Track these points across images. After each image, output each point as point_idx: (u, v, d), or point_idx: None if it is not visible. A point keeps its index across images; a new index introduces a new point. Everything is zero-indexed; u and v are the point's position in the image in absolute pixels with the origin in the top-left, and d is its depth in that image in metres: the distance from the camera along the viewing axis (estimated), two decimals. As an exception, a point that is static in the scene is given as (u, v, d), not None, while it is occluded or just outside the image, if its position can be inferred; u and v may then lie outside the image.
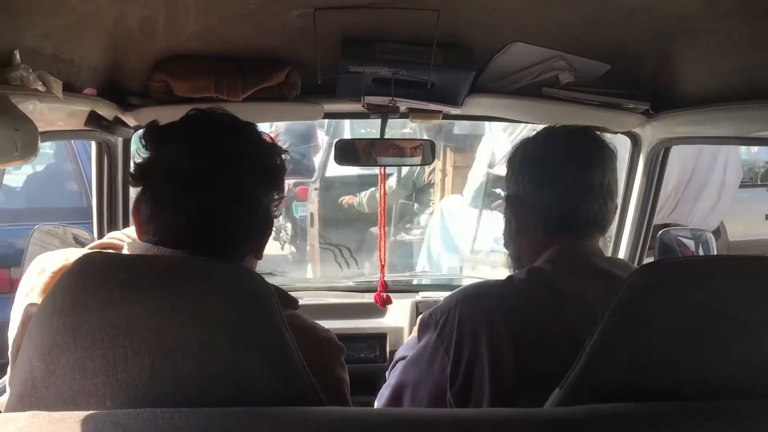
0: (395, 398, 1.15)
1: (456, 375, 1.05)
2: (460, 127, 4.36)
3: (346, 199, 4.70)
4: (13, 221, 3.45)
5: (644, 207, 1.90)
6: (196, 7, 1.22)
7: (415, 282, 2.52)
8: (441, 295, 1.89)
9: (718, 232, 4.19)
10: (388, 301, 2.06)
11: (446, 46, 1.38)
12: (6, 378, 1.13)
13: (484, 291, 1.14)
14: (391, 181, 4.48)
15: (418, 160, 1.82)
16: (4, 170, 1.35)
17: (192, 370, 0.68)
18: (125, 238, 1.18)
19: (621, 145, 1.59)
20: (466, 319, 1.07)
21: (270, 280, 0.80)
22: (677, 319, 0.74)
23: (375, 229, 4.23)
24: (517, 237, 1.22)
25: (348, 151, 1.79)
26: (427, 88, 1.47)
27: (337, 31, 1.34)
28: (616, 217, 1.66)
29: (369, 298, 2.08)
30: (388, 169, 3.54)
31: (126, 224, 1.74)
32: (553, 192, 1.15)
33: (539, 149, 1.19)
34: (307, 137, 5.73)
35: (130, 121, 1.52)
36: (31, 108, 1.01)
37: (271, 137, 1.07)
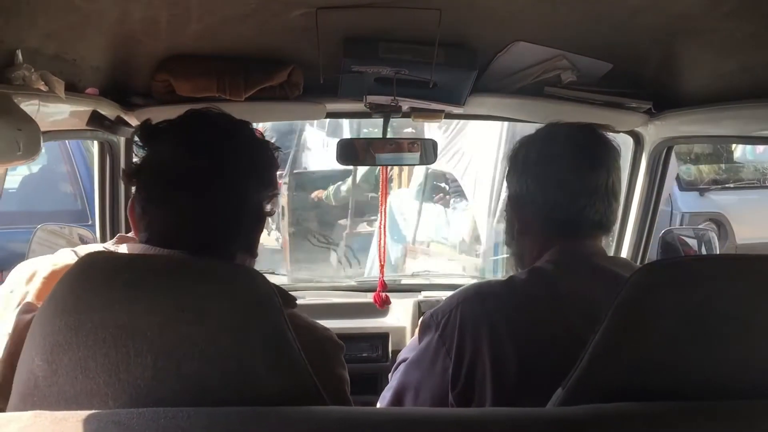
0: (397, 400, 1.14)
1: (458, 376, 1.05)
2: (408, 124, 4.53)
3: (316, 194, 5.13)
4: (9, 224, 3.46)
5: (647, 206, 1.89)
6: (198, 7, 1.22)
7: (413, 282, 2.52)
8: (443, 295, 1.89)
9: (725, 234, 4.11)
10: (387, 301, 2.06)
11: (448, 46, 1.38)
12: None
13: (485, 291, 1.12)
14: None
15: (417, 158, 1.81)
16: (6, 171, 1.35)
17: (195, 370, 0.68)
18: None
19: (623, 144, 1.59)
20: (468, 320, 1.06)
21: (270, 279, 0.80)
22: (679, 319, 0.74)
23: (342, 221, 4.82)
24: (519, 237, 1.21)
25: (349, 151, 1.79)
26: (429, 87, 1.47)
27: (340, 30, 1.34)
28: (619, 216, 1.65)
29: (371, 297, 2.08)
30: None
31: (128, 224, 1.74)
32: (558, 194, 1.12)
33: (542, 149, 1.17)
34: (291, 134, 5.79)
35: (133, 120, 1.52)
36: (34, 108, 1.01)
37: (261, 133, 1.07)
